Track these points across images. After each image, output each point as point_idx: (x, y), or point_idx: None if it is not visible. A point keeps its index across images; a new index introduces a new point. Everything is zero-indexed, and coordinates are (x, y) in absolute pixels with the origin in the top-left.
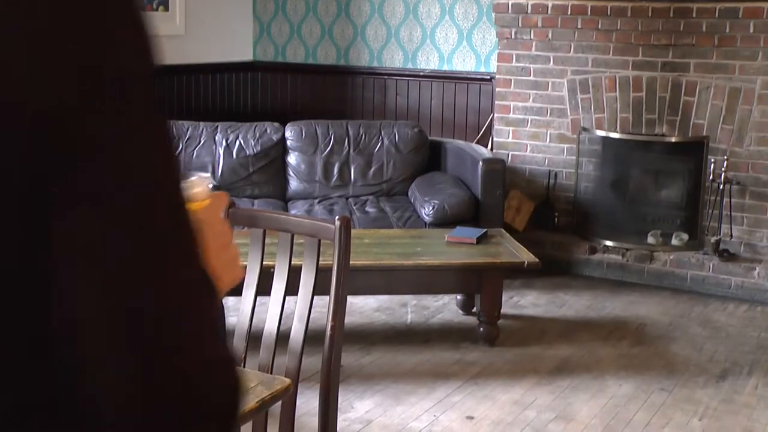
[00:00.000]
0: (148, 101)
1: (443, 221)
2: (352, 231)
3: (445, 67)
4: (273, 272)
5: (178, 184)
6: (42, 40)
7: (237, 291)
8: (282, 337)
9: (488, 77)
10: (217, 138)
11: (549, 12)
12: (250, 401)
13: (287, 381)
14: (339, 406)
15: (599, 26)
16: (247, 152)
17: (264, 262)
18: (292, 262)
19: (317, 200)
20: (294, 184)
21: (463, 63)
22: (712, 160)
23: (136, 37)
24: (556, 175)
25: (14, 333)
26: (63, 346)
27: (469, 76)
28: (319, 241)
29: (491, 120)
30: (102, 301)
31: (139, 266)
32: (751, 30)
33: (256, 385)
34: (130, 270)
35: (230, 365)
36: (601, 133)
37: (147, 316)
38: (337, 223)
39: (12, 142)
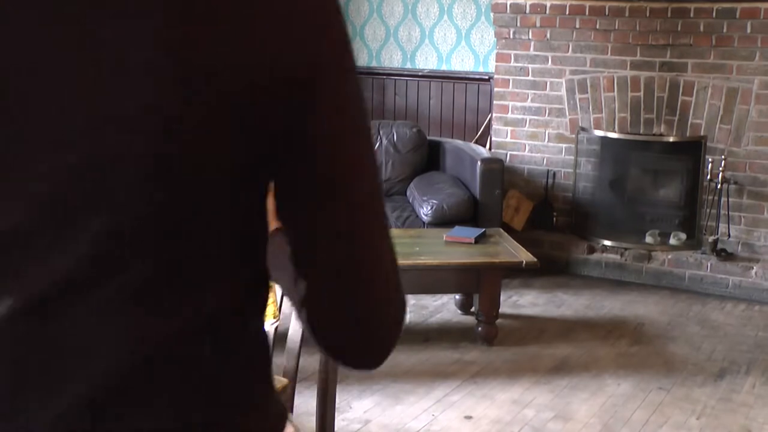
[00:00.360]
0: (354, 67)
1: (442, 221)
2: None
3: (444, 67)
4: None
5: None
6: (300, 27)
7: None
8: (280, 337)
9: (486, 77)
10: None
11: (547, 12)
12: None
13: (284, 380)
14: (338, 405)
15: (597, 26)
16: None
17: None
18: None
19: None
20: None
21: (462, 63)
22: (710, 159)
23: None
24: (554, 174)
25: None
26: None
27: (467, 75)
28: None
29: (490, 120)
30: (362, 160)
31: (374, 159)
32: (749, 30)
33: None
34: (372, 147)
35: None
36: (599, 132)
37: (379, 202)
38: None
39: (292, 83)
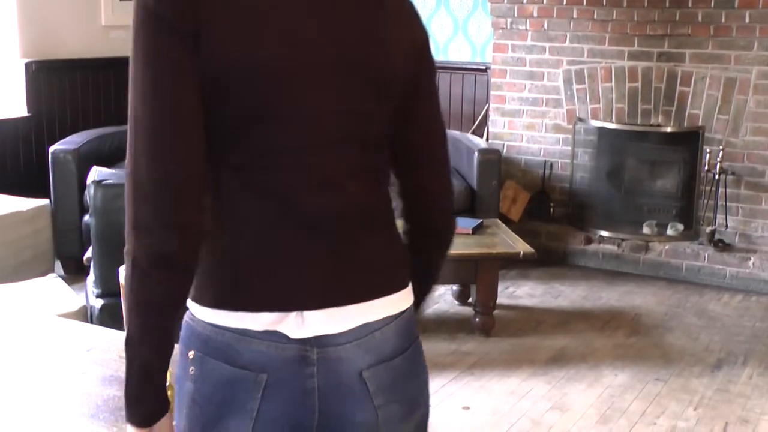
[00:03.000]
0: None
1: None
2: None
3: (441, 58)
4: None
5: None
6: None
7: None
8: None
9: (484, 67)
10: None
11: (544, 2)
12: None
13: None
14: None
15: (595, 16)
16: None
17: None
18: None
19: None
20: None
21: (459, 53)
22: (708, 150)
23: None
24: (551, 165)
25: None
26: (420, 136)
27: (464, 66)
28: None
29: (487, 110)
30: (438, 111)
31: (439, 112)
32: (747, 20)
33: None
34: (439, 109)
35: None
36: (596, 123)
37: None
38: None
39: (414, 60)
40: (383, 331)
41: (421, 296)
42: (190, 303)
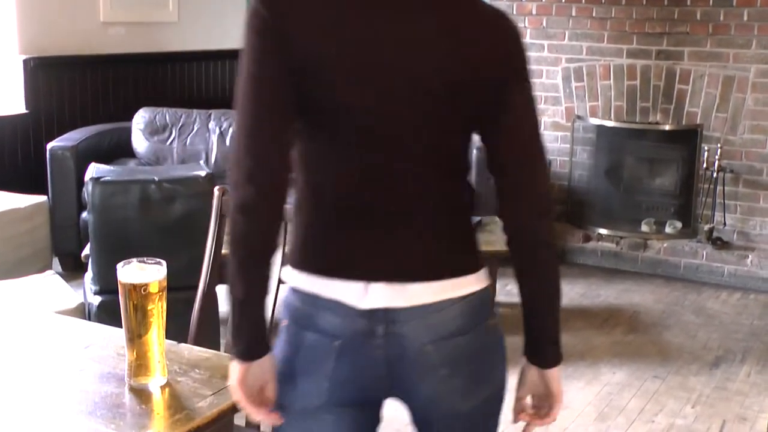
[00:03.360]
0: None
1: None
2: None
3: None
4: None
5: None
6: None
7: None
8: (276, 326)
9: None
10: (210, 126)
11: (543, 0)
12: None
13: None
14: None
15: (594, 14)
16: None
17: None
18: (286, 250)
19: None
20: None
21: None
22: (706, 148)
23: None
24: (550, 163)
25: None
26: (512, 137)
27: None
28: None
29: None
30: (531, 112)
31: (535, 119)
32: (745, 18)
33: None
34: (534, 116)
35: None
36: (595, 121)
37: (540, 132)
38: None
39: (505, 61)
40: (446, 311)
41: (542, 313)
42: (285, 270)
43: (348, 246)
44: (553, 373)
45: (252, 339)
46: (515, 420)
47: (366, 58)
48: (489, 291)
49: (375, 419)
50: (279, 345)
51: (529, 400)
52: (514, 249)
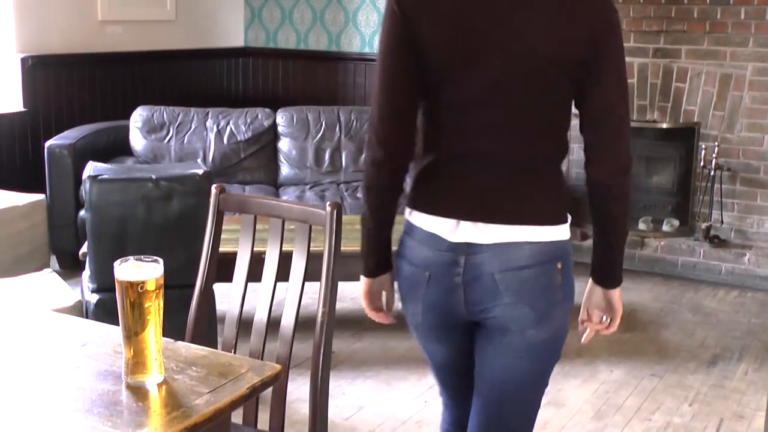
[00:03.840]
0: (623, 49)
1: None
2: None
3: None
4: (264, 258)
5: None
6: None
7: (227, 277)
8: (273, 324)
9: None
10: (208, 124)
11: None
12: (241, 387)
13: (278, 367)
14: (331, 392)
15: None
16: (239, 138)
17: (255, 248)
18: (283, 248)
19: (308, 186)
20: (285, 170)
21: None
22: (703, 146)
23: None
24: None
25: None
26: (601, 101)
27: None
28: (310, 226)
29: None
30: (619, 85)
31: (624, 83)
32: (742, 16)
33: (247, 371)
34: (623, 81)
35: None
36: None
37: (628, 102)
38: (328, 208)
39: (596, 42)
40: (519, 250)
41: (608, 248)
42: (407, 205)
43: (446, 191)
44: (615, 292)
45: (375, 261)
46: (581, 328)
47: (474, 41)
48: (568, 243)
49: (465, 341)
50: (399, 259)
51: (593, 313)
52: (592, 199)
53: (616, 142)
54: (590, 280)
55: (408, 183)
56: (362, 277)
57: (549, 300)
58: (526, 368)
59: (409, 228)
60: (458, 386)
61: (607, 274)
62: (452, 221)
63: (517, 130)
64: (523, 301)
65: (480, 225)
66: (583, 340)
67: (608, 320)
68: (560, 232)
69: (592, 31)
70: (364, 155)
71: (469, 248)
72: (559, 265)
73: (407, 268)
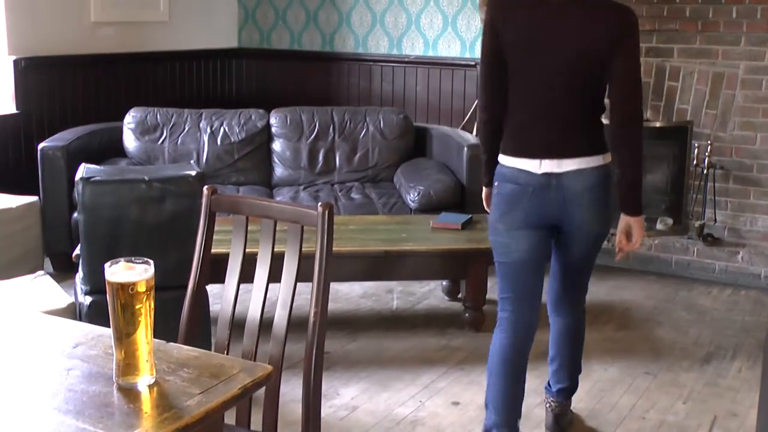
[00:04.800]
0: (637, 42)
1: (429, 207)
2: (338, 218)
3: (431, 53)
4: (256, 259)
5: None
6: (617, 19)
7: (220, 278)
8: (266, 325)
9: (473, 63)
10: (201, 125)
11: None
12: (233, 388)
13: (269, 368)
14: (325, 392)
15: None
16: (232, 139)
17: (247, 249)
18: (275, 249)
19: (302, 187)
20: (279, 170)
21: (448, 49)
22: (696, 145)
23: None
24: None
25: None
26: (621, 70)
27: (454, 61)
28: (302, 227)
29: (476, 106)
30: (631, 66)
31: (638, 61)
32: (734, 15)
33: (238, 372)
34: (637, 60)
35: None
36: None
37: (638, 77)
38: (320, 209)
39: (616, 38)
40: (585, 173)
41: (626, 186)
42: (500, 153)
43: (531, 140)
44: (635, 220)
45: (488, 178)
46: (617, 248)
47: (537, 43)
48: (610, 166)
49: (549, 237)
50: (496, 194)
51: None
52: (613, 145)
53: (632, 98)
54: (621, 213)
55: (505, 135)
56: (484, 189)
57: (604, 206)
58: (590, 248)
59: (507, 166)
60: (530, 283)
61: (628, 204)
62: (536, 161)
63: (569, 99)
64: (592, 209)
65: (555, 161)
66: (617, 258)
67: (633, 240)
68: (605, 158)
69: (609, 28)
70: (477, 118)
71: (553, 176)
72: (609, 183)
73: (512, 186)
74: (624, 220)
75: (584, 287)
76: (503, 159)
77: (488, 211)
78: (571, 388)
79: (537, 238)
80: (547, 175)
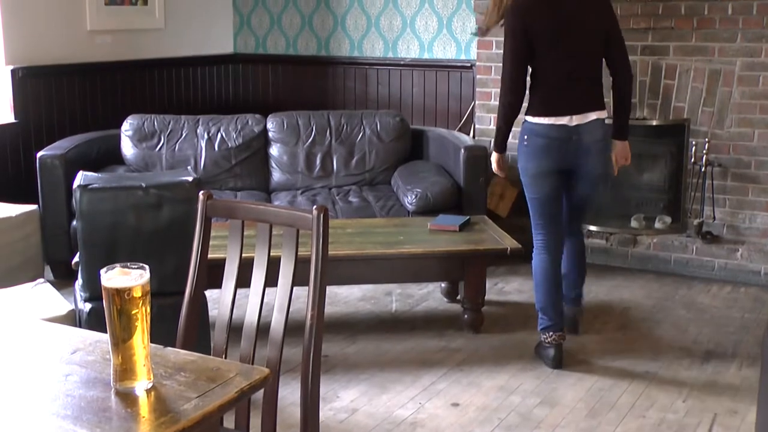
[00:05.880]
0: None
1: (426, 209)
2: (336, 221)
3: (426, 56)
4: (253, 263)
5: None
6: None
7: (217, 284)
8: (263, 329)
9: (469, 65)
10: (198, 131)
11: None
12: (230, 391)
13: (266, 371)
14: (324, 395)
15: None
16: (229, 144)
17: (243, 254)
18: (272, 253)
19: (300, 191)
20: (277, 175)
21: (444, 51)
22: (694, 142)
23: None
24: None
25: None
26: (617, 42)
27: (449, 63)
28: (298, 231)
29: (473, 107)
30: (621, 35)
31: (624, 43)
32: (729, 12)
33: (235, 375)
34: (623, 42)
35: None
36: None
37: (625, 48)
38: (315, 212)
39: (606, 25)
40: (596, 125)
41: (621, 120)
42: (526, 116)
43: (560, 102)
44: (626, 143)
45: (503, 145)
46: (616, 166)
47: (557, 26)
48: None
49: (562, 181)
50: (527, 146)
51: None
52: (616, 96)
53: (627, 61)
54: (613, 140)
55: (533, 103)
56: (495, 153)
57: (607, 153)
58: (596, 186)
59: (541, 124)
60: (554, 213)
61: (621, 132)
62: (567, 117)
63: (585, 67)
64: (601, 155)
65: (581, 116)
66: (615, 172)
67: (624, 159)
68: (606, 113)
69: (604, 12)
70: (500, 99)
71: (577, 128)
72: (608, 134)
73: (543, 140)
74: (621, 144)
75: (585, 216)
76: (535, 119)
77: (499, 173)
78: (580, 293)
79: (559, 179)
80: (573, 129)
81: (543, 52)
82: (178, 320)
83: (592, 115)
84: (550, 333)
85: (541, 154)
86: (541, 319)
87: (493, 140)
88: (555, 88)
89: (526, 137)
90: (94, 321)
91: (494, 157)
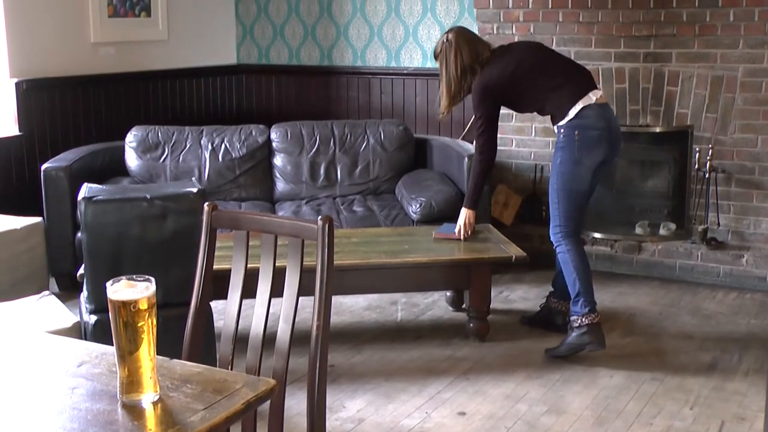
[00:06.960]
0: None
1: (430, 218)
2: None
3: (429, 65)
4: (258, 274)
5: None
6: None
7: (222, 294)
8: (269, 340)
9: None
10: (202, 142)
11: (530, 6)
12: (236, 403)
13: (272, 382)
14: (330, 405)
15: (580, 19)
16: (233, 155)
17: (248, 265)
18: (277, 264)
19: (304, 201)
20: (281, 185)
21: None
22: (697, 149)
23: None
24: (542, 168)
25: None
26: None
27: None
28: (303, 241)
29: (478, 145)
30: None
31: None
32: (731, 18)
33: (241, 386)
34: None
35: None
36: None
37: None
38: (320, 222)
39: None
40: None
41: None
42: (560, 122)
43: (571, 89)
44: None
45: (478, 202)
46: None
47: (531, 67)
48: None
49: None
50: (578, 139)
51: None
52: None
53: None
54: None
55: (563, 105)
56: (466, 210)
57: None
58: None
59: (580, 116)
60: (585, 206)
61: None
62: (588, 94)
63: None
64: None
65: (597, 92)
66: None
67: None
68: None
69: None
70: (478, 161)
71: (601, 106)
72: None
73: (593, 132)
74: None
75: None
76: (571, 113)
77: (468, 233)
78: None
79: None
80: (606, 118)
81: (525, 84)
82: (184, 332)
83: (600, 92)
84: (596, 314)
85: (592, 146)
86: (583, 304)
87: (466, 197)
88: (560, 84)
89: (577, 131)
90: (99, 333)
91: (466, 213)
